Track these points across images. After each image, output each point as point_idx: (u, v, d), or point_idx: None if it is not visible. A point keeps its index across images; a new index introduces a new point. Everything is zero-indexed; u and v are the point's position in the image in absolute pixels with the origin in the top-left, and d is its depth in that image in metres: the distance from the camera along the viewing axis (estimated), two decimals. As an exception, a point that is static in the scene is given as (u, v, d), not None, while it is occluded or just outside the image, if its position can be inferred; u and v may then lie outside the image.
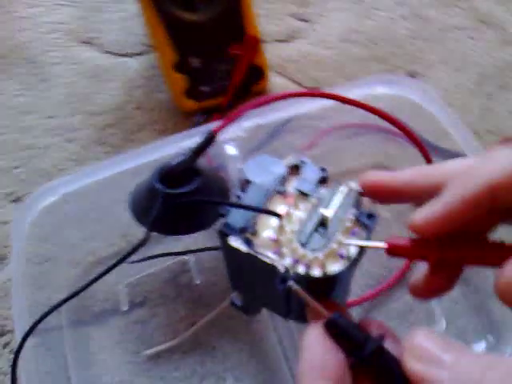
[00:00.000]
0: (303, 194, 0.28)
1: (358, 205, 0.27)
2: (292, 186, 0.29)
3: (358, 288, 0.45)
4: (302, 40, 0.64)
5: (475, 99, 0.58)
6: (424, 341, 0.20)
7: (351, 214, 0.27)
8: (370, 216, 0.27)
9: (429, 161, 0.42)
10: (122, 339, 0.42)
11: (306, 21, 0.66)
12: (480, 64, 0.61)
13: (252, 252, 0.26)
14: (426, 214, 0.23)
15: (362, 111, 0.49)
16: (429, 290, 0.26)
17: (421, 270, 0.26)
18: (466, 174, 0.23)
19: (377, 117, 0.42)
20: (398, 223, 0.48)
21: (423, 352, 0.19)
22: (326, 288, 0.26)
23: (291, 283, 0.24)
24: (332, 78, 0.60)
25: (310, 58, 0.62)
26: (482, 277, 0.44)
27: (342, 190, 0.28)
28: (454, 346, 0.19)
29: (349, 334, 0.22)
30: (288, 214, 0.27)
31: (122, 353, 0.42)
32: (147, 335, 0.42)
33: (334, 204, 0.27)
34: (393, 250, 0.25)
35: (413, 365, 0.19)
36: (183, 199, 0.36)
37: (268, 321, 0.40)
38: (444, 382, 0.18)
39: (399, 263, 0.45)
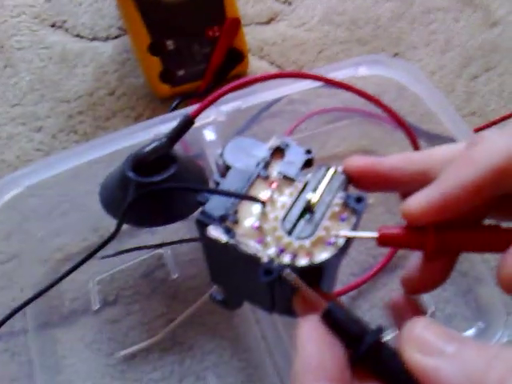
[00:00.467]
0: (287, 179, 0.26)
1: (345, 188, 0.25)
2: (275, 170, 0.27)
3: (342, 276, 0.43)
4: (282, 22, 0.61)
5: (459, 81, 0.56)
6: (424, 331, 0.19)
7: (339, 197, 0.25)
8: (359, 199, 0.25)
9: (416, 145, 0.41)
10: (93, 340, 0.40)
11: (287, 3, 0.63)
12: (464, 46, 0.59)
13: (233, 242, 0.24)
14: (421, 200, 0.22)
15: (345, 95, 0.47)
16: (423, 283, 0.25)
17: (412, 263, 0.25)
18: (463, 160, 0.22)
19: (360, 100, 0.40)
20: (383, 209, 0.46)
21: (424, 343, 0.18)
22: (314, 278, 0.24)
23: (287, 271, 0.22)
24: (314, 61, 0.58)
25: (291, 41, 0.59)
26: (469, 262, 0.43)
27: (329, 173, 0.26)
28: (456, 336, 0.18)
29: (346, 327, 0.21)
30: (271, 200, 0.25)
31: (94, 355, 0.39)
32: (121, 335, 0.40)
33: (321, 188, 0.25)
34: (385, 240, 0.23)
35: (412, 355, 0.18)
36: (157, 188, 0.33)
37: (250, 314, 0.38)
38: (447, 373, 0.17)
39: (384, 250, 0.44)
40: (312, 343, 0.20)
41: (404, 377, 0.19)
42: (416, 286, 0.25)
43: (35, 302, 0.34)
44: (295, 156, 0.27)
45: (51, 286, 0.32)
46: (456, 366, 0.17)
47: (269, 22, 0.62)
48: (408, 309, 0.24)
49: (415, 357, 0.18)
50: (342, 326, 0.21)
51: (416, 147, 0.40)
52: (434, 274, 0.24)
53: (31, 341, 0.38)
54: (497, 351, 0.17)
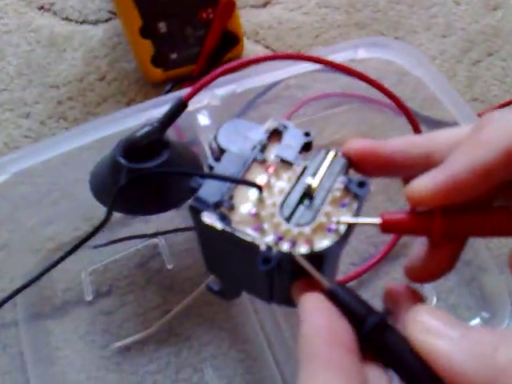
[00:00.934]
0: (285, 163, 0.25)
1: (346, 172, 0.24)
2: (272, 153, 0.26)
3: (342, 266, 0.42)
4: (278, 5, 0.60)
5: (461, 66, 0.55)
6: (429, 316, 0.18)
7: (340, 182, 0.24)
8: (361, 184, 0.24)
9: (418, 131, 0.39)
10: (87, 332, 0.39)
11: (282, -15, 0.61)
12: (466, 30, 0.58)
13: (228, 229, 0.23)
14: (428, 182, 0.21)
15: (343, 79, 0.45)
16: (428, 271, 0.23)
17: (416, 251, 0.24)
18: (472, 142, 0.21)
19: (359, 85, 0.39)
20: (384, 197, 0.45)
21: (431, 327, 0.18)
22: (314, 266, 0.22)
23: (295, 252, 0.21)
24: (311, 45, 0.56)
25: (288, 25, 0.58)
26: (472, 250, 0.42)
27: (329, 157, 0.25)
28: (460, 323, 0.18)
29: (350, 307, 0.20)
30: (269, 185, 0.24)
31: (88, 347, 0.38)
32: (115, 327, 0.39)
33: (321, 172, 0.24)
34: (389, 226, 0.22)
35: (420, 337, 0.18)
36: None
37: (248, 304, 0.37)
38: (456, 354, 0.16)
39: (385, 238, 0.43)
40: (321, 312, 0.19)
41: (411, 359, 0.18)
42: (420, 275, 0.24)
43: (26, 293, 0.33)
44: (293, 139, 0.26)
45: (41, 275, 0.31)
46: (464, 347, 0.17)
47: (264, 4, 0.60)
48: (405, 297, 0.23)
49: (423, 339, 0.18)
50: (347, 305, 0.20)
51: (418, 133, 0.39)
52: (440, 262, 0.23)
53: (23, 332, 0.37)
54: (502, 332, 0.17)
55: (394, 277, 0.42)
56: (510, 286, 0.40)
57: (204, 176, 0.25)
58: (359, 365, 0.18)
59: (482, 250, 0.41)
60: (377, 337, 0.19)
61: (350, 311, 0.20)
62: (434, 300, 0.41)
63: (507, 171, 0.20)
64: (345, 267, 0.42)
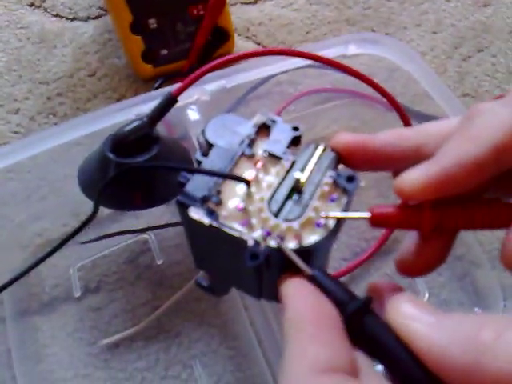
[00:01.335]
0: (274, 157, 0.25)
1: (335, 166, 0.24)
2: (261, 148, 0.26)
3: (333, 261, 0.42)
4: (269, 2, 0.60)
5: (452, 62, 0.55)
6: (408, 304, 0.18)
7: (328, 176, 0.23)
8: (350, 178, 0.23)
9: (409, 125, 0.40)
10: (75, 329, 0.38)
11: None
12: (456, 26, 0.58)
13: (216, 224, 0.22)
14: (418, 175, 0.20)
15: (334, 75, 0.45)
16: (420, 265, 0.23)
17: (407, 244, 0.23)
18: (462, 135, 0.20)
19: (350, 81, 0.39)
20: (375, 192, 0.45)
21: (408, 311, 0.18)
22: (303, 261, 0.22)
23: (282, 244, 0.21)
24: (301, 41, 0.56)
25: (278, 21, 0.58)
26: (464, 245, 0.42)
27: (318, 151, 0.24)
28: (439, 310, 0.18)
29: (332, 292, 0.20)
30: (257, 180, 0.24)
31: (75, 344, 0.38)
32: (104, 323, 0.39)
33: (309, 167, 0.24)
34: (378, 220, 0.22)
35: (398, 320, 0.18)
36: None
37: (238, 301, 0.37)
38: (439, 335, 0.16)
39: (376, 233, 0.43)
40: (305, 295, 0.19)
41: (392, 343, 0.18)
42: (411, 268, 0.23)
43: (14, 289, 0.33)
44: (282, 133, 0.26)
45: (28, 270, 0.30)
46: (444, 329, 0.17)
47: (255, 1, 0.60)
48: (387, 290, 0.23)
49: (402, 322, 0.18)
50: (329, 291, 0.20)
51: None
52: (431, 256, 0.23)
53: (10, 329, 0.37)
54: (484, 316, 0.17)
55: (385, 272, 0.42)
56: (501, 281, 0.40)
57: (191, 171, 0.24)
58: (348, 342, 0.18)
59: (474, 245, 0.41)
60: (358, 321, 0.19)
61: (332, 297, 0.20)
62: (426, 295, 0.41)
63: (497, 165, 0.20)
64: (336, 263, 0.42)
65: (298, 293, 0.20)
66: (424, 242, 0.23)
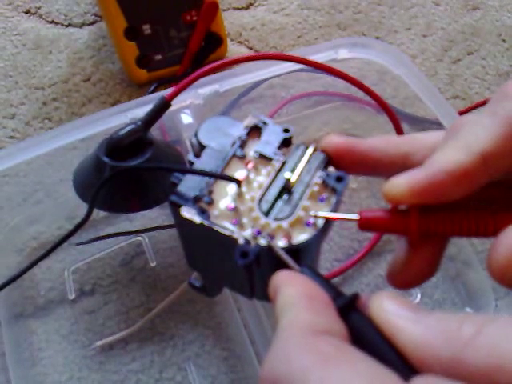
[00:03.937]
0: (264, 158, 0.25)
1: (325, 167, 0.25)
2: (252, 149, 0.26)
3: (326, 262, 0.42)
4: (261, 7, 0.60)
5: (442, 65, 0.56)
6: (390, 300, 0.18)
7: (318, 177, 0.24)
8: (339, 178, 0.24)
9: (399, 129, 0.40)
10: (70, 332, 0.38)
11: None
12: (445, 29, 0.59)
13: (207, 223, 0.23)
14: (407, 179, 0.21)
15: (326, 79, 0.46)
16: (409, 276, 0.23)
17: (397, 256, 0.23)
18: (450, 145, 0.21)
19: (341, 84, 0.39)
20: (367, 194, 0.46)
21: (391, 307, 0.18)
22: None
23: (271, 242, 0.22)
24: (293, 46, 0.57)
25: (270, 26, 0.58)
26: (456, 246, 0.42)
27: (308, 152, 0.25)
28: (419, 307, 0.18)
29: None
30: (248, 180, 0.24)
31: (70, 347, 0.38)
32: (98, 325, 0.39)
33: (299, 167, 0.25)
34: (366, 224, 0.22)
35: (381, 315, 0.18)
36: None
37: (231, 302, 0.37)
38: (421, 332, 0.16)
39: (368, 234, 0.43)
40: (296, 283, 0.19)
41: (377, 339, 0.18)
42: (402, 280, 0.23)
43: (8, 292, 0.33)
44: (272, 135, 0.26)
45: (22, 273, 0.31)
46: (426, 324, 0.17)
47: (247, 6, 0.60)
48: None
49: (385, 318, 0.18)
50: None
51: (399, 131, 0.40)
52: (421, 266, 0.23)
53: (5, 332, 0.37)
54: (465, 316, 0.17)
55: (378, 273, 0.42)
56: (493, 282, 0.40)
57: (183, 171, 0.25)
58: (341, 321, 0.18)
59: (465, 245, 0.42)
60: (344, 317, 0.19)
61: None
62: (419, 296, 0.41)
63: (486, 174, 0.20)
64: (329, 263, 0.42)
65: (289, 280, 0.19)
66: (413, 251, 0.23)
